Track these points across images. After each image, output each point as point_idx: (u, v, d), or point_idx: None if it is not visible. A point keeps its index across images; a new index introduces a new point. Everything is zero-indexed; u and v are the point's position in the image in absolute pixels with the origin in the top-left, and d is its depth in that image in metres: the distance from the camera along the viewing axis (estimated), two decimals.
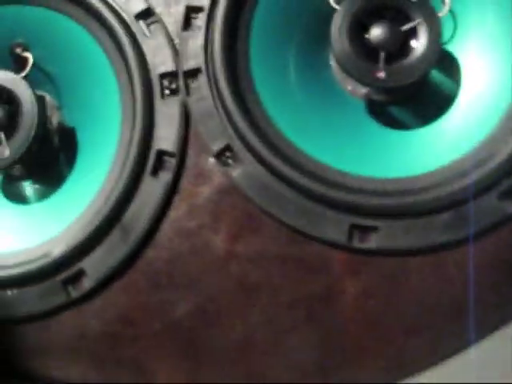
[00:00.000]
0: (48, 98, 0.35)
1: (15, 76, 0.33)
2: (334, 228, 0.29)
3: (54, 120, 0.35)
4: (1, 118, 0.32)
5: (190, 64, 0.32)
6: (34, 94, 0.32)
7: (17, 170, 0.34)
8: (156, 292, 0.31)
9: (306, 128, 0.32)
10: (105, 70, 0.33)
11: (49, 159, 0.35)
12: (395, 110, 0.33)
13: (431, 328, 0.29)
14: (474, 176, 0.28)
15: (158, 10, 0.34)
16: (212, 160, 0.31)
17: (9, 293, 0.32)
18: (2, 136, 0.32)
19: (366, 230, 0.29)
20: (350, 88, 0.33)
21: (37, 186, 0.35)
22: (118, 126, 0.32)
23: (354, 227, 0.29)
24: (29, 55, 0.34)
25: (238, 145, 0.31)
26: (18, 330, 0.32)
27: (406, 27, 0.30)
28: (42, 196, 0.35)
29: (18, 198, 0.35)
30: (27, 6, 0.35)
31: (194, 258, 0.31)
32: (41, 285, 0.31)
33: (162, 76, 0.32)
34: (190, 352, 0.31)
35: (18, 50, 0.34)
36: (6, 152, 0.32)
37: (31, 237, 0.32)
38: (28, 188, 0.35)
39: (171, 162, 0.31)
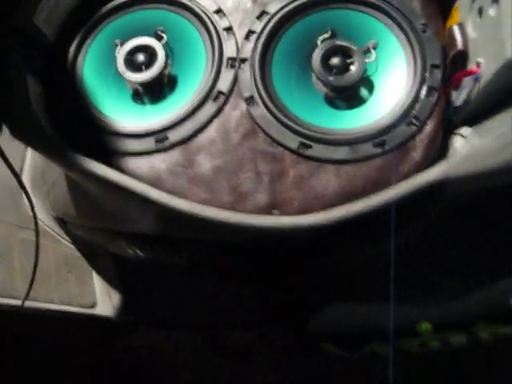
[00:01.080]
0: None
1: (158, 42, 0.66)
2: (291, 141, 0.61)
3: (167, 69, 0.67)
4: (147, 59, 0.65)
5: (244, 55, 0.65)
6: (165, 52, 0.65)
7: (142, 88, 0.67)
8: None
9: (293, 101, 0.64)
10: (198, 43, 0.65)
11: (162, 87, 0.67)
12: (338, 101, 0.65)
13: None
14: (364, 133, 0.60)
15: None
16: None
17: None
18: (143, 67, 0.65)
19: (306, 145, 0.61)
20: (317, 86, 0.66)
21: (150, 98, 0.67)
22: (201, 74, 0.65)
23: (300, 143, 0.61)
24: (164, 35, 0.68)
25: (257, 96, 0.63)
26: None
27: (348, 60, 0.63)
28: (152, 103, 0.67)
29: (140, 103, 0.67)
30: (167, 12, 0.69)
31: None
32: None
33: (228, 58, 0.65)
34: None
35: (159, 32, 0.68)
36: (143, 76, 0.65)
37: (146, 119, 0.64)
38: (146, 98, 0.68)
39: (222, 97, 0.64)
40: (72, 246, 1.00)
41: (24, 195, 1.02)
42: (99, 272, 0.96)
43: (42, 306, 0.98)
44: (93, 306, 0.96)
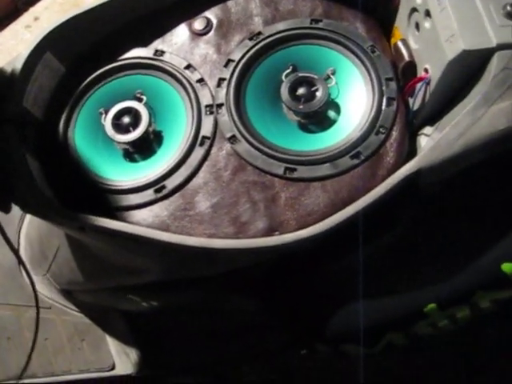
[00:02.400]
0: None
1: (139, 103, 0.72)
2: (277, 168, 0.67)
3: (152, 127, 0.74)
4: (132, 120, 0.71)
5: (219, 101, 0.72)
6: (147, 110, 0.72)
7: (132, 147, 0.73)
8: None
9: (271, 132, 0.71)
10: (175, 97, 0.72)
11: (150, 143, 0.73)
12: (311, 126, 0.72)
13: None
14: (340, 149, 0.67)
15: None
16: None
17: None
18: (131, 128, 0.71)
19: (291, 169, 0.67)
20: (289, 116, 0.73)
21: (141, 155, 0.73)
22: (184, 125, 0.71)
23: (286, 168, 0.67)
24: (143, 97, 0.74)
25: (238, 135, 0.70)
26: None
27: (313, 88, 0.70)
28: (144, 159, 0.73)
29: (133, 161, 0.73)
30: (142, 76, 0.76)
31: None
32: None
33: (206, 106, 0.72)
34: None
35: (138, 94, 0.74)
36: (132, 136, 0.71)
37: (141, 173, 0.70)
38: (137, 156, 0.73)
39: (207, 141, 0.70)
40: (80, 314, 1.03)
41: (23, 274, 1.06)
42: (112, 333, 0.99)
43: (62, 379, 1.01)
44: (112, 368, 0.98)
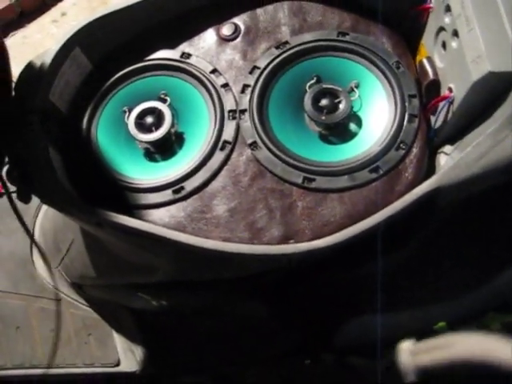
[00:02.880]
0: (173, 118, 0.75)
1: (163, 104, 0.73)
2: (296, 177, 0.68)
3: (174, 128, 0.74)
4: (155, 121, 0.72)
5: (242, 107, 0.73)
6: (171, 112, 0.73)
7: (153, 147, 0.74)
8: None
9: (292, 141, 0.72)
10: (199, 101, 0.73)
11: (171, 144, 0.74)
12: (331, 137, 0.73)
13: None
14: (359, 162, 0.68)
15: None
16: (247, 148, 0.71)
17: None
18: (153, 128, 0.72)
19: (309, 179, 0.68)
20: (311, 127, 0.73)
21: (162, 155, 0.74)
22: (206, 128, 0.72)
23: (304, 178, 0.68)
24: (167, 98, 0.75)
25: (259, 142, 0.70)
26: None
27: (336, 100, 0.71)
28: (164, 159, 0.73)
29: (153, 161, 0.74)
30: (168, 77, 0.77)
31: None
32: None
33: (229, 111, 0.73)
34: None
35: (162, 95, 0.75)
36: (154, 136, 0.72)
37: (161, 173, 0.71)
38: (157, 156, 0.74)
39: (228, 146, 0.71)
40: (89, 309, 1.04)
41: (35, 264, 1.07)
42: (119, 330, 1.00)
43: (67, 372, 1.01)
44: (117, 364, 0.99)
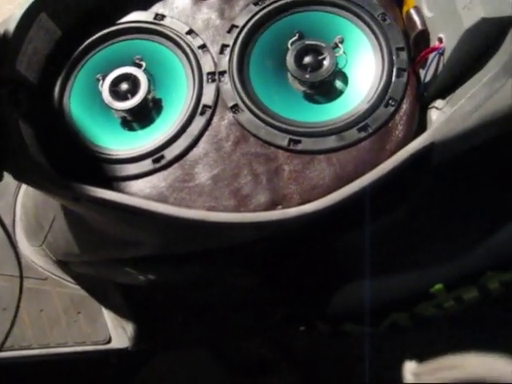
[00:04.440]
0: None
1: (138, 69, 0.69)
2: (281, 139, 0.65)
3: (151, 94, 0.70)
4: (131, 87, 0.68)
5: (221, 68, 0.69)
6: (146, 77, 0.68)
7: (130, 115, 0.70)
8: None
9: (275, 102, 0.68)
10: (176, 64, 0.69)
11: (149, 111, 0.70)
12: (317, 96, 0.69)
13: None
14: (347, 121, 0.64)
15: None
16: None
17: None
18: (129, 95, 0.68)
19: (295, 141, 0.64)
20: (294, 86, 0.70)
21: (140, 123, 0.70)
22: (184, 92, 0.68)
23: (290, 140, 0.65)
24: (142, 62, 0.71)
25: (241, 104, 0.67)
26: None
27: (320, 57, 0.67)
28: (142, 127, 0.70)
29: (130, 129, 0.70)
30: (142, 41, 0.72)
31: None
32: None
33: (207, 73, 0.69)
34: None
35: (137, 60, 0.71)
36: (130, 103, 0.68)
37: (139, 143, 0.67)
38: (135, 124, 0.70)
39: (209, 110, 0.67)
40: (76, 286, 1.01)
41: (18, 243, 1.04)
42: (108, 306, 0.98)
43: (57, 351, 0.99)
44: (108, 341, 0.97)
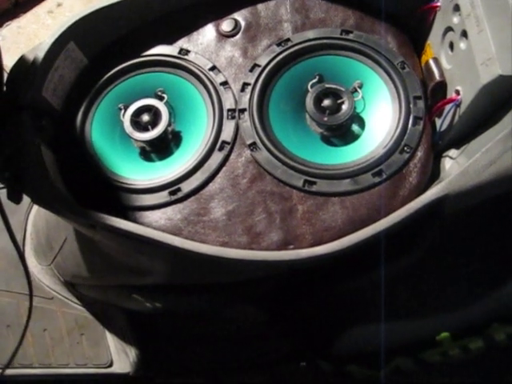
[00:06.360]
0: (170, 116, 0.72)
1: (159, 102, 0.71)
2: (297, 180, 0.66)
3: (171, 126, 0.72)
4: (152, 119, 0.69)
5: (242, 106, 0.70)
6: (168, 110, 0.70)
7: (149, 146, 0.71)
8: None
9: (292, 143, 0.69)
10: (197, 99, 0.70)
11: (168, 143, 0.72)
12: (333, 139, 0.70)
13: None
14: (362, 165, 0.65)
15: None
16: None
17: None
18: (150, 127, 0.69)
19: (310, 182, 0.66)
20: (312, 128, 0.71)
21: (158, 155, 0.71)
22: (204, 127, 0.69)
23: (305, 181, 0.66)
24: (164, 95, 0.72)
25: (259, 142, 0.68)
26: None
27: (339, 101, 0.68)
28: (160, 159, 0.71)
29: (149, 160, 0.71)
30: (165, 74, 0.74)
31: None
32: None
33: (228, 110, 0.70)
34: None
35: (159, 92, 0.73)
36: (150, 134, 0.69)
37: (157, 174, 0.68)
38: (153, 155, 0.72)
39: (227, 147, 0.68)
40: (82, 308, 1.02)
41: (27, 262, 1.05)
42: (112, 330, 0.98)
43: (58, 372, 0.99)
44: (110, 365, 0.97)
